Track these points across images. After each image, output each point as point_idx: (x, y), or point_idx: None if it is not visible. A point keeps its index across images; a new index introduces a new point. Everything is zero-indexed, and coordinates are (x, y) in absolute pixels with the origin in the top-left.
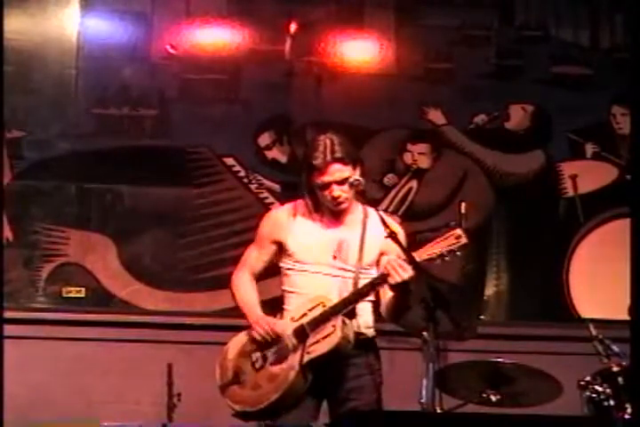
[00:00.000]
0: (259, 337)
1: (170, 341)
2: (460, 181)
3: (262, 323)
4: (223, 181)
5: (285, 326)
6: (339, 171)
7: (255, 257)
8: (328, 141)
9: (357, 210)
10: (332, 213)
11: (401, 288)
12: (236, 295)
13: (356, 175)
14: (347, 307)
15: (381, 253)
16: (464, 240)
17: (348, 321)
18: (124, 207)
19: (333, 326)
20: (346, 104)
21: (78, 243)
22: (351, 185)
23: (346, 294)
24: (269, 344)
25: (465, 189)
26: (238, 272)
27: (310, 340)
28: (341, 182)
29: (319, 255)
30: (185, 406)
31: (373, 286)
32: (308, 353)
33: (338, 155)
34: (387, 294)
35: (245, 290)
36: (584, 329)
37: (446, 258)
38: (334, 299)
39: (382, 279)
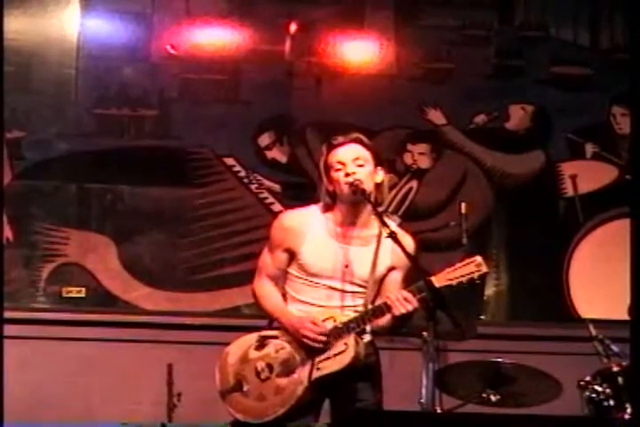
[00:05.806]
0: (312, 342)
1: (170, 341)
2: (460, 181)
3: (308, 324)
4: (223, 181)
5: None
6: (356, 149)
7: (270, 264)
8: (354, 134)
9: (373, 225)
10: (348, 223)
11: (403, 316)
12: (263, 305)
13: (379, 173)
14: (359, 326)
15: (391, 268)
16: (484, 269)
17: (359, 340)
18: (124, 207)
19: (345, 343)
20: (346, 104)
21: (78, 243)
22: (378, 185)
23: (350, 309)
24: (319, 347)
25: (465, 189)
26: (258, 281)
27: (321, 355)
28: (358, 162)
29: (330, 269)
30: (185, 406)
31: (376, 314)
32: (319, 369)
33: (359, 137)
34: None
35: (270, 297)
36: (584, 329)
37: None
38: (339, 313)
39: (387, 309)
